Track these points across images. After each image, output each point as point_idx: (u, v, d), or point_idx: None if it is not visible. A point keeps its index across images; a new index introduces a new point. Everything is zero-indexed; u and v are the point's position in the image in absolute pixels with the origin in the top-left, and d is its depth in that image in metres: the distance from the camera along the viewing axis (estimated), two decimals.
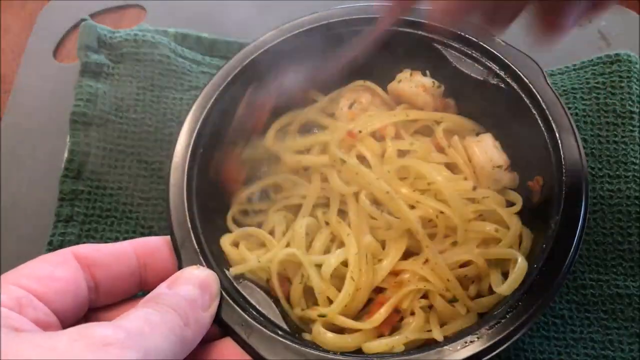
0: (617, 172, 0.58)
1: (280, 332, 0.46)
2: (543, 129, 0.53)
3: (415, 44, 0.57)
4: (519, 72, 0.55)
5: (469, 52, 0.57)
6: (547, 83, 0.54)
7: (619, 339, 0.54)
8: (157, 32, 0.67)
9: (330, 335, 0.48)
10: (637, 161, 0.59)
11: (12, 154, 0.63)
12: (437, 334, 0.48)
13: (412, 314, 0.50)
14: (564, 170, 0.50)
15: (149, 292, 0.43)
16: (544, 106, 0.53)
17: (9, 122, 0.65)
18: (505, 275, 0.50)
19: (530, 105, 0.54)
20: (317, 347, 0.46)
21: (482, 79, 0.56)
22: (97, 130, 0.61)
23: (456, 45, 0.57)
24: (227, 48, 0.68)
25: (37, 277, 0.40)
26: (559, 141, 0.51)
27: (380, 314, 0.49)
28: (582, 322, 0.55)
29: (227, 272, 0.50)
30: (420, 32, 0.57)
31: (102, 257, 0.44)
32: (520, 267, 0.48)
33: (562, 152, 0.51)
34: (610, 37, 0.70)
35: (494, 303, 0.50)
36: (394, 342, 0.48)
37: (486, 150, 0.55)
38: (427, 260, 0.51)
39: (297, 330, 0.50)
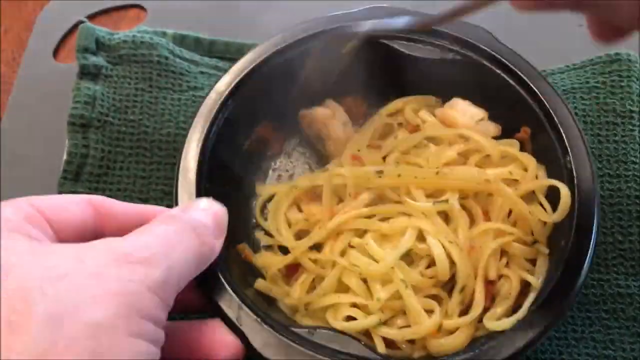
0: (618, 172, 0.58)
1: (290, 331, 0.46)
2: (511, 82, 0.55)
3: (364, 44, 0.57)
4: (470, 41, 0.56)
5: (415, 37, 0.57)
6: (499, 41, 0.56)
7: (620, 339, 0.54)
8: (155, 33, 0.67)
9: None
10: (638, 160, 0.58)
11: (12, 154, 0.63)
12: (533, 280, 0.50)
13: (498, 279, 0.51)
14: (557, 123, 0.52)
15: None
16: (504, 61, 0.54)
17: (9, 122, 0.65)
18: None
19: (491, 66, 0.55)
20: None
21: (438, 57, 0.57)
22: (96, 132, 0.61)
23: (401, 35, 0.57)
24: (225, 49, 0.68)
25: (50, 203, 0.41)
26: (533, 87, 0.53)
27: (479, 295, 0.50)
28: (584, 322, 0.54)
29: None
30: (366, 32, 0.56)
31: (113, 208, 0.44)
32: (564, 194, 0.50)
33: (548, 107, 0.53)
34: None
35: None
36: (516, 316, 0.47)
37: (463, 109, 0.56)
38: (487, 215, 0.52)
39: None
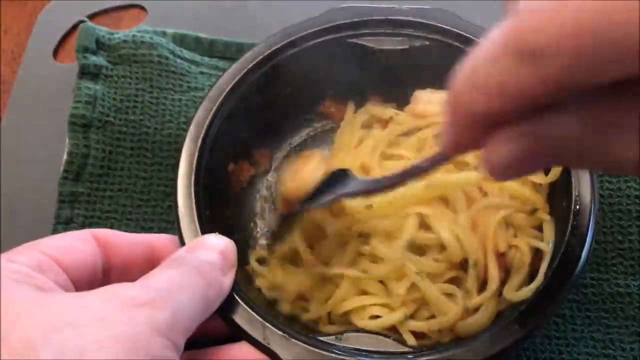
0: None
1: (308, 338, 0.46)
2: None
3: (332, 46, 0.57)
4: (435, 24, 0.56)
5: (380, 31, 0.57)
6: (463, 20, 0.56)
7: (620, 338, 0.54)
8: (155, 33, 0.67)
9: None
10: None
11: (12, 154, 0.63)
12: (543, 245, 0.50)
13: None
14: None
15: None
16: (471, 37, 0.55)
17: (9, 122, 0.65)
18: None
19: (459, 45, 0.55)
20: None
21: (407, 47, 0.57)
22: (96, 132, 0.61)
23: (366, 31, 0.57)
24: (225, 49, 0.68)
25: (58, 246, 0.41)
26: None
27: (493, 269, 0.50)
28: (583, 321, 0.54)
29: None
30: (331, 37, 0.57)
31: (117, 240, 0.44)
32: None
33: None
34: None
35: None
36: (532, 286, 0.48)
37: (428, 99, 0.57)
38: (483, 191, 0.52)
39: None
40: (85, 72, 0.63)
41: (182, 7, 0.72)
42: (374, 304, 0.50)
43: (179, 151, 0.58)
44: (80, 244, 0.42)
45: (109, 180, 0.60)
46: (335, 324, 0.51)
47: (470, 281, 0.50)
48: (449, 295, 0.49)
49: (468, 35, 0.55)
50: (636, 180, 0.58)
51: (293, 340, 0.44)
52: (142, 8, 0.73)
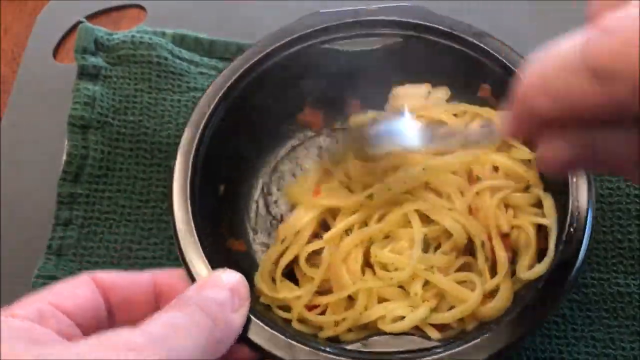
0: None
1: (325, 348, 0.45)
2: (456, 45, 0.55)
3: (307, 54, 0.57)
4: (405, 20, 0.56)
5: (352, 33, 0.57)
6: (435, 13, 0.56)
7: (620, 337, 0.54)
8: (154, 33, 0.67)
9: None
10: None
11: (12, 155, 0.64)
12: (545, 221, 0.50)
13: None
14: None
15: None
16: (448, 30, 0.55)
17: (9, 122, 0.66)
18: None
19: (436, 39, 0.56)
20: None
21: (380, 46, 0.57)
22: (95, 133, 0.61)
23: (339, 35, 0.57)
24: (225, 49, 0.68)
25: (58, 293, 0.40)
26: (483, 45, 0.55)
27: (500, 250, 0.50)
28: (584, 321, 0.54)
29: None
30: (305, 44, 0.57)
31: (117, 280, 0.43)
32: None
33: (499, 57, 0.54)
34: None
35: None
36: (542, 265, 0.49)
37: (405, 94, 0.58)
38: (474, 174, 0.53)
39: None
40: (84, 73, 0.63)
41: (182, 7, 0.72)
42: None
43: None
44: (80, 290, 0.41)
45: (107, 181, 0.60)
46: (354, 330, 0.51)
47: (481, 263, 0.50)
48: (464, 282, 0.50)
49: (442, 29, 0.56)
50: None
51: (322, 354, 0.44)
52: (142, 8, 0.73)
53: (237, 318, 0.43)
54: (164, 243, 0.58)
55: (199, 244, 0.48)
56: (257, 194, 0.59)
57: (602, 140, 0.32)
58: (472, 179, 0.53)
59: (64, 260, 0.57)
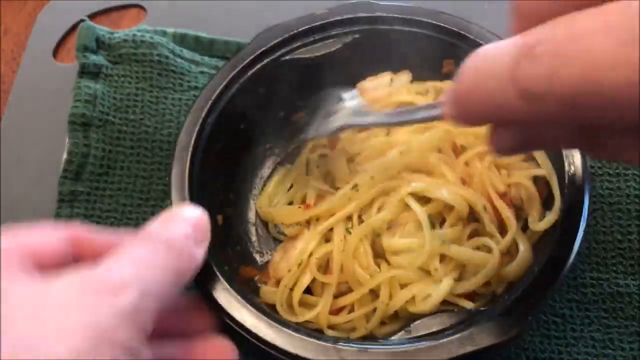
0: (617, 170, 0.58)
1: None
2: (416, 29, 0.57)
3: (274, 67, 0.57)
4: (358, 16, 0.57)
5: (309, 40, 0.58)
6: (379, 3, 0.58)
7: (620, 338, 0.54)
8: (155, 32, 0.67)
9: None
10: None
11: (12, 154, 0.63)
12: (541, 171, 0.52)
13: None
14: None
15: None
16: (400, 16, 0.56)
17: (9, 122, 0.65)
18: None
19: (388, 27, 0.57)
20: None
21: (340, 45, 0.58)
22: (96, 131, 0.61)
23: (295, 45, 0.58)
24: (226, 48, 0.68)
25: (26, 235, 0.40)
26: (439, 23, 0.56)
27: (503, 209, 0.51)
28: (583, 321, 0.54)
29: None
30: (267, 60, 0.57)
31: (90, 236, 0.43)
32: None
33: (455, 30, 0.56)
34: None
35: None
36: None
37: (370, 87, 0.59)
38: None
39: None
40: (85, 72, 0.64)
41: (182, 7, 0.72)
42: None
43: None
44: (49, 234, 0.41)
45: (108, 179, 0.60)
46: (387, 322, 0.51)
47: (488, 225, 0.51)
48: (479, 249, 0.51)
49: (394, 16, 0.57)
50: (636, 180, 0.58)
51: (372, 350, 0.44)
52: (142, 8, 0.73)
53: (200, 252, 0.43)
54: None
55: (219, 274, 0.48)
56: (253, 217, 0.59)
57: (544, 132, 0.33)
58: (457, 150, 0.55)
59: None
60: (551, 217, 0.50)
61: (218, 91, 0.55)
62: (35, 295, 0.34)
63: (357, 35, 0.58)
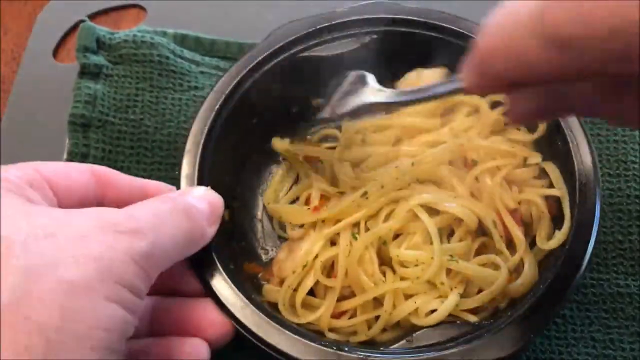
0: (617, 171, 0.58)
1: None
2: (424, 32, 0.57)
3: (290, 64, 0.57)
4: (377, 17, 0.57)
5: (327, 38, 0.57)
6: (399, 4, 0.58)
7: (620, 338, 0.54)
8: (156, 32, 0.67)
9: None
10: (637, 160, 0.58)
11: (12, 154, 0.63)
12: (555, 191, 0.52)
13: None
14: None
15: None
16: (426, 21, 0.56)
17: (9, 122, 0.65)
18: None
19: (408, 29, 0.57)
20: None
21: (358, 45, 0.58)
22: (96, 131, 0.61)
23: (312, 42, 0.57)
24: (226, 48, 0.68)
25: (54, 169, 0.42)
26: (447, 26, 0.56)
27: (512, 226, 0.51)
28: (583, 321, 0.54)
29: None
30: (283, 56, 0.57)
31: (115, 178, 0.45)
32: None
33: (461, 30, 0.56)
34: None
35: None
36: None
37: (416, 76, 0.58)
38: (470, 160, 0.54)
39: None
40: (86, 72, 0.64)
41: (182, 7, 0.72)
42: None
43: (178, 150, 0.58)
44: (76, 174, 0.43)
45: None
46: (388, 330, 0.51)
47: (497, 241, 0.51)
48: (485, 264, 0.51)
49: (411, 18, 0.57)
50: (636, 181, 0.58)
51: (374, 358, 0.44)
52: (142, 8, 0.73)
53: (210, 231, 0.45)
54: None
55: (222, 271, 0.48)
56: (260, 212, 0.59)
57: (567, 92, 0.32)
58: (468, 164, 0.54)
59: None
60: (560, 236, 0.50)
61: (232, 85, 0.55)
62: (56, 221, 0.36)
63: (375, 36, 0.57)
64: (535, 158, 0.53)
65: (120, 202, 0.43)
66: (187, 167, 0.51)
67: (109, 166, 0.59)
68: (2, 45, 0.72)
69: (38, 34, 0.71)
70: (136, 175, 0.60)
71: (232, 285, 0.47)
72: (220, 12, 0.72)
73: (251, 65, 0.55)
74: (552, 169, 0.53)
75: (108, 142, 0.61)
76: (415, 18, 0.57)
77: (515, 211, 0.52)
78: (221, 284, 0.47)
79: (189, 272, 0.47)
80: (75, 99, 0.62)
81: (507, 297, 0.51)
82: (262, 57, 0.56)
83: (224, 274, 0.47)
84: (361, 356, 0.44)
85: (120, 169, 0.60)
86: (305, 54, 0.57)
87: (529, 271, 0.50)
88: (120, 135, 0.61)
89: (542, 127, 0.54)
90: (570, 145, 0.51)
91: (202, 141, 0.52)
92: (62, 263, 0.34)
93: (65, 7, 0.72)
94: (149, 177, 0.60)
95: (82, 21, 0.68)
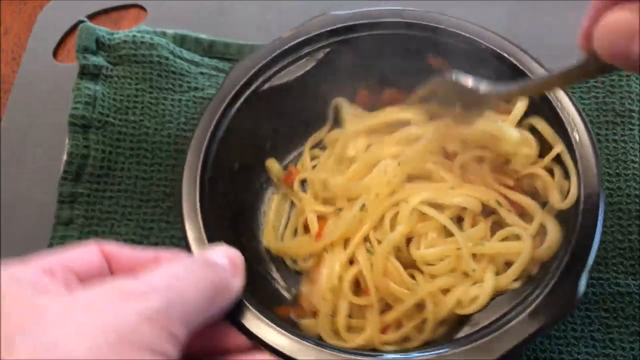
0: (617, 171, 0.58)
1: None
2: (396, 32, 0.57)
3: (255, 100, 0.56)
4: (324, 31, 0.57)
5: (284, 63, 0.57)
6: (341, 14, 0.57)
7: (620, 338, 0.54)
8: (155, 33, 0.67)
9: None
10: (637, 159, 0.58)
11: (12, 154, 0.63)
12: (557, 148, 0.52)
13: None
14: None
15: None
16: (372, 21, 0.56)
17: (9, 122, 0.65)
18: None
19: (360, 36, 0.57)
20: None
21: (315, 62, 0.57)
22: (96, 132, 0.61)
23: (270, 73, 0.57)
24: (225, 49, 0.68)
25: (67, 256, 0.40)
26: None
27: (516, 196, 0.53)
28: (583, 321, 0.55)
29: None
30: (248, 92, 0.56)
31: (122, 254, 0.43)
32: None
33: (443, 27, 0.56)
34: None
35: None
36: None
37: None
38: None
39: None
40: (85, 73, 0.64)
41: (182, 7, 0.72)
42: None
43: (178, 152, 0.58)
44: (87, 255, 0.41)
45: (108, 180, 0.60)
46: (439, 326, 0.52)
47: (508, 216, 0.52)
48: (507, 238, 0.52)
49: (359, 23, 0.57)
50: (636, 180, 0.58)
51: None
52: (142, 8, 0.73)
53: (236, 282, 0.43)
54: (164, 243, 0.58)
55: (267, 319, 0.46)
56: (267, 255, 0.58)
57: None
58: (449, 156, 0.55)
59: None
60: (573, 191, 0.50)
61: (208, 136, 0.53)
62: (61, 301, 0.34)
63: (328, 50, 0.57)
64: (515, 132, 0.53)
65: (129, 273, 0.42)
66: (192, 231, 0.49)
67: (109, 167, 0.60)
68: (2, 45, 0.72)
69: (38, 34, 0.71)
70: (136, 176, 0.60)
71: (283, 331, 0.45)
72: (220, 13, 0.72)
73: (219, 113, 0.54)
74: (543, 126, 0.53)
75: (108, 143, 0.61)
76: (358, 22, 0.57)
77: (519, 184, 0.53)
78: (271, 333, 0.45)
79: (232, 329, 0.45)
80: (75, 100, 0.62)
81: (537, 264, 0.51)
82: (227, 100, 0.54)
83: (269, 322, 0.45)
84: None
85: (121, 170, 0.60)
86: (267, 85, 0.57)
87: (552, 235, 0.50)
88: (120, 136, 0.61)
89: (521, 105, 0.54)
90: (558, 109, 0.51)
91: (197, 204, 0.50)
92: (67, 339, 0.31)
93: (65, 7, 0.72)
94: (150, 179, 0.60)
95: (82, 22, 0.68)
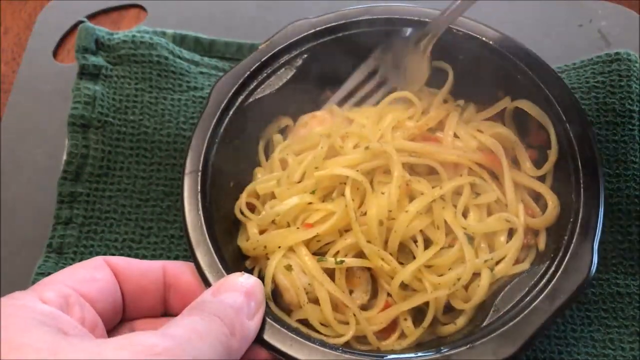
0: (617, 171, 0.58)
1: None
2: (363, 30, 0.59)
3: (241, 115, 0.57)
4: (299, 38, 0.58)
5: (264, 75, 0.58)
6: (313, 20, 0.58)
7: (620, 338, 0.54)
8: (155, 33, 0.67)
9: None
10: (637, 160, 0.58)
11: (12, 154, 0.64)
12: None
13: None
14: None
15: (172, 314, 0.43)
16: (339, 23, 0.58)
17: (9, 122, 0.65)
18: None
19: (335, 38, 0.59)
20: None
21: (295, 70, 0.58)
22: (96, 132, 0.61)
23: (252, 86, 0.57)
24: (225, 49, 0.68)
25: (79, 278, 0.41)
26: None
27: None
28: (583, 321, 0.55)
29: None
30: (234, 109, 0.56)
31: (130, 268, 0.44)
32: None
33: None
34: (610, 37, 0.70)
35: None
36: None
37: None
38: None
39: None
40: (85, 73, 0.63)
41: (182, 7, 0.72)
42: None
43: (177, 151, 0.58)
44: (99, 274, 0.42)
45: (108, 180, 0.60)
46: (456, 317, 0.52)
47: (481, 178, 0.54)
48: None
49: (330, 26, 0.58)
50: (636, 180, 0.58)
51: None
52: (142, 8, 0.73)
53: (253, 324, 0.43)
54: (164, 242, 0.58)
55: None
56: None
57: None
58: (435, 139, 0.56)
59: (64, 258, 0.57)
60: (554, 150, 0.53)
61: (202, 158, 0.53)
62: (90, 356, 0.34)
63: (305, 55, 0.58)
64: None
65: (139, 289, 0.43)
66: (204, 257, 0.48)
67: (109, 167, 0.60)
68: (2, 45, 0.73)
69: (38, 34, 0.71)
70: (136, 175, 0.60)
71: (288, 332, 0.46)
72: (220, 13, 0.72)
73: (210, 132, 0.54)
74: (529, 105, 0.56)
75: (108, 142, 0.61)
76: (333, 24, 0.58)
77: (484, 149, 0.55)
78: (276, 334, 0.46)
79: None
80: (75, 100, 0.62)
81: (542, 233, 0.53)
82: (215, 118, 0.55)
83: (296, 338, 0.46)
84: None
85: (120, 170, 0.60)
86: (250, 99, 0.57)
87: (551, 205, 0.53)
88: (120, 136, 0.61)
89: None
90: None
91: (205, 232, 0.50)
92: None
93: (65, 7, 0.73)
94: (149, 178, 0.60)
95: (82, 22, 0.68)
